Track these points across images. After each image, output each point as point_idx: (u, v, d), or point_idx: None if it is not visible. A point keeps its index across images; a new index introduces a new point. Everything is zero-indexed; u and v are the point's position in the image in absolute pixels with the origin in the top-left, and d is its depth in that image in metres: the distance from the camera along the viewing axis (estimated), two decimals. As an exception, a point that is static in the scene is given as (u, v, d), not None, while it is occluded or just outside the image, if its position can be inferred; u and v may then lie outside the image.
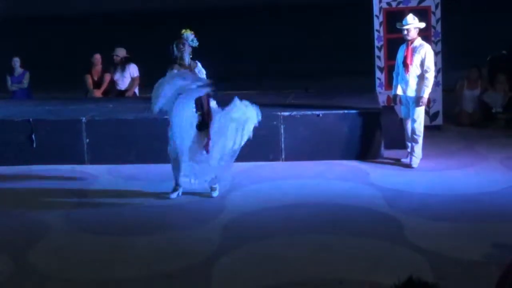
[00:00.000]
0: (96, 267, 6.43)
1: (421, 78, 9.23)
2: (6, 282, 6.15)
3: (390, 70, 10.98)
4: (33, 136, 10.13)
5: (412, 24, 9.28)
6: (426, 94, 9.23)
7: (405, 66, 9.27)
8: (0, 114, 10.79)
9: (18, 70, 13.74)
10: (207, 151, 8.02)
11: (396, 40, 10.67)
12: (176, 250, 6.77)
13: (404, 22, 9.30)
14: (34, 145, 10.12)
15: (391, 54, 11.00)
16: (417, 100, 9.27)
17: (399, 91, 9.43)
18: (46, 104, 11.98)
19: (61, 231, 7.47)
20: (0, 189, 8.96)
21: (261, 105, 8.28)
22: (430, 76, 9.23)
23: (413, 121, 9.36)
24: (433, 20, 11.33)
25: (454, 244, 6.61)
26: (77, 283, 6.09)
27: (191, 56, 8.27)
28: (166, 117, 8.41)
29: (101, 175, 9.60)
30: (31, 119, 10.29)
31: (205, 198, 8.36)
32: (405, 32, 9.27)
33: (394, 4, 11.39)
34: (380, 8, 11.45)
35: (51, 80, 18.01)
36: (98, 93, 13.03)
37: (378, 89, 11.74)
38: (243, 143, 8.15)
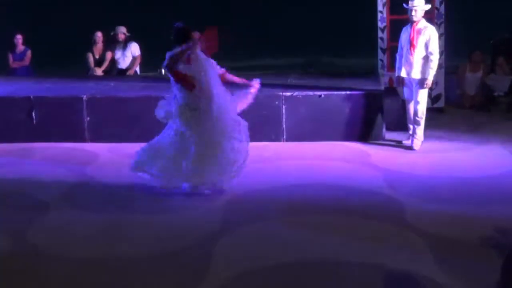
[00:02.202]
0: (96, 245, 6.42)
1: (426, 60, 9.19)
2: (5, 261, 6.14)
3: (392, 52, 10.94)
4: (33, 113, 10.10)
5: (420, 5, 9.23)
6: (430, 76, 9.19)
7: (411, 47, 9.22)
8: (1, 91, 10.76)
9: (20, 47, 13.70)
10: None
11: (399, 22, 10.63)
12: (177, 229, 6.76)
13: (412, 3, 9.23)
14: (34, 122, 10.10)
15: (394, 36, 10.96)
16: (421, 82, 9.23)
17: (403, 73, 9.38)
18: (47, 81, 11.95)
19: (61, 209, 7.46)
20: (0, 166, 8.94)
21: (262, 85, 8.23)
22: (435, 58, 9.19)
23: (416, 103, 9.33)
24: (436, 2, 11.28)
25: (455, 227, 6.59)
26: (76, 261, 6.07)
27: None
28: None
29: (102, 153, 9.59)
30: (31, 97, 10.27)
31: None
32: (413, 12, 9.21)
33: (397, -15, 11.32)
34: (384, -11, 11.39)
35: (52, 57, 17.93)
36: (99, 71, 12.99)
37: (380, 70, 11.70)
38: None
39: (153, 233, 6.68)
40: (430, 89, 10.32)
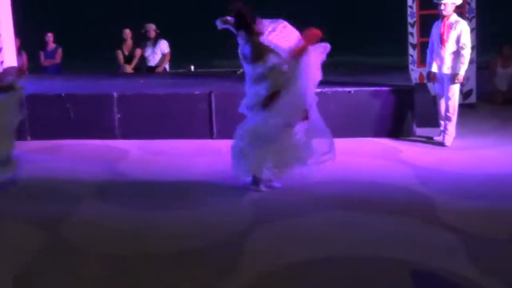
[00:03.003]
0: (126, 241, 6.45)
1: (457, 55, 9.11)
2: (38, 255, 6.19)
3: (422, 47, 10.86)
4: (70, 110, 10.18)
5: (450, 0, 9.14)
6: (462, 71, 9.11)
7: (441, 42, 9.15)
8: (33, 89, 10.85)
9: (51, 45, 13.82)
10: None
11: (429, 16, 10.55)
12: (206, 225, 6.76)
13: None
14: (72, 117, 10.18)
15: (424, 31, 10.88)
16: (452, 78, 9.15)
17: (434, 68, 9.31)
18: (77, 79, 12.05)
19: (92, 205, 7.51)
20: (32, 163, 9.01)
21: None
22: (466, 53, 9.10)
23: (448, 98, 9.26)
24: (468, -4, 11.17)
25: (486, 224, 6.53)
26: (108, 256, 6.11)
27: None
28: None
29: (132, 150, 9.64)
30: (63, 94, 10.35)
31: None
32: (442, 7, 9.13)
33: (428, -20, 11.24)
34: (414, -17, 11.32)
35: (82, 55, 18.06)
36: (129, 69, 13.07)
37: (410, 66, 11.63)
38: None
39: (182, 230, 6.68)
40: (462, 84, 10.23)
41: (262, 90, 7.44)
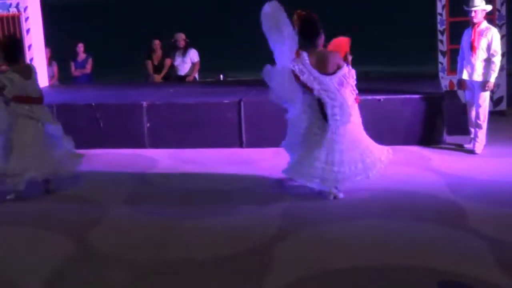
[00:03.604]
0: (154, 249, 6.48)
1: (488, 62, 9.04)
2: (67, 263, 6.24)
3: (452, 54, 10.80)
4: (99, 120, 10.26)
5: (480, 6, 9.08)
6: (492, 78, 9.04)
7: (472, 49, 9.09)
8: (63, 99, 10.97)
9: (82, 55, 13.95)
10: None
11: (459, 24, 10.48)
12: (235, 233, 6.77)
13: (472, 4, 9.10)
14: (101, 126, 10.26)
15: (453, 38, 10.81)
16: (483, 85, 9.08)
17: (465, 76, 9.25)
18: (107, 88, 12.15)
19: (121, 214, 7.55)
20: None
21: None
22: (497, 60, 9.03)
23: (478, 106, 9.18)
24: (498, 3, 11.10)
25: (519, 232, 6.47)
26: (135, 264, 6.13)
27: None
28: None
29: (161, 159, 9.68)
30: (93, 104, 10.43)
31: (265, 182, 8.36)
32: (473, 14, 9.07)
33: (457, -13, 11.18)
34: (443, -9, 11.27)
35: (113, 65, 18.21)
36: (158, 78, 13.15)
37: (440, 73, 11.56)
38: None
39: (210, 238, 6.69)
40: (492, 91, 10.14)
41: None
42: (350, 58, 7.81)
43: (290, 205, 7.54)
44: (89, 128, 10.36)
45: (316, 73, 7.44)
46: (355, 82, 7.64)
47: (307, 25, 7.56)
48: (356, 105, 7.79)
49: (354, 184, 7.85)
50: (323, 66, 7.50)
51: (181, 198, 7.98)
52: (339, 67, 7.53)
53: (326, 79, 7.45)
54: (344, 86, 7.51)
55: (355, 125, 7.67)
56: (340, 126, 7.45)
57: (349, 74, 7.56)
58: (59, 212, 7.70)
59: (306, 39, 7.57)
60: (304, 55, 7.47)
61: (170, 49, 13.17)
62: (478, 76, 9.11)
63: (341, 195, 7.68)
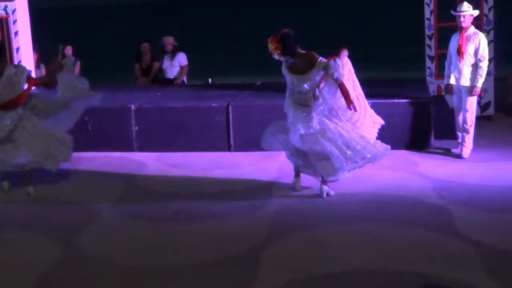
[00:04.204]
0: (144, 253, 6.47)
1: (475, 67, 9.09)
2: (56, 268, 6.22)
3: (440, 59, 10.83)
4: (88, 123, 10.23)
5: (468, 11, 9.13)
6: (479, 83, 9.08)
7: (459, 54, 9.13)
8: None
9: (70, 58, 13.91)
10: None
11: (446, 29, 10.52)
12: (224, 237, 6.77)
13: (460, 9, 9.15)
14: (90, 130, 10.23)
15: (441, 43, 10.85)
16: (470, 90, 9.12)
17: (452, 81, 9.29)
18: (95, 91, 12.08)
19: (110, 217, 7.54)
20: (50, 175, 9.06)
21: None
22: (484, 65, 9.08)
23: (465, 111, 9.22)
24: (485, 8, 11.14)
25: (505, 236, 6.49)
26: (125, 268, 6.13)
27: None
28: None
29: (150, 162, 9.67)
30: (81, 107, 10.38)
31: (253, 185, 8.37)
32: (461, 19, 9.12)
33: (445, -8, 11.25)
34: (431, -4, 11.32)
35: (100, 68, 18.17)
36: (146, 81, 13.12)
37: (428, 78, 11.60)
38: None
39: (200, 242, 6.69)
40: (479, 96, 10.18)
41: None
42: (343, 52, 7.98)
43: (278, 209, 7.55)
44: (77, 131, 10.31)
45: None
46: (341, 74, 7.77)
47: (287, 43, 7.77)
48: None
49: (342, 189, 7.88)
50: (296, 68, 7.78)
51: (169, 201, 7.97)
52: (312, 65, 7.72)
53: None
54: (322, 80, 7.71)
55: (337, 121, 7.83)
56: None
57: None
58: (46, 216, 7.68)
59: (288, 54, 7.82)
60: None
61: (159, 53, 13.15)
62: (465, 81, 9.15)
63: (332, 193, 7.87)
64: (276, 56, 7.84)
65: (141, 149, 10.23)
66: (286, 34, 7.79)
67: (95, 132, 10.30)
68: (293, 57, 7.81)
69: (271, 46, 7.81)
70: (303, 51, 7.83)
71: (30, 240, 6.95)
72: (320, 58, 7.68)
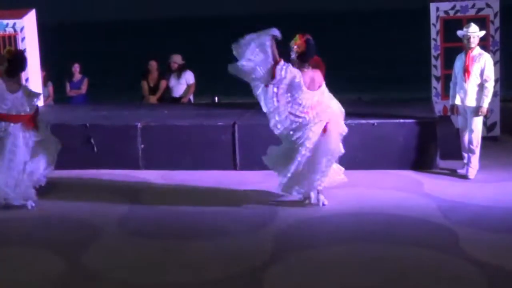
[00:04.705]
0: (147, 270, 6.47)
1: (481, 87, 9.11)
2: (59, 284, 6.22)
3: (446, 80, 10.85)
4: (92, 140, 10.26)
5: (476, 32, 9.17)
6: (485, 104, 9.09)
7: (465, 75, 9.15)
8: (58, 119, 10.96)
9: (77, 76, 13.98)
10: None
11: (453, 49, 10.54)
12: (227, 256, 6.77)
13: (468, 30, 9.18)
14: (95, 150, 10.26)
15: (448, 63, 10.87)
16: (476, 110, 9.13)
17: (457, 101, 9.30)
18: (102, 109, 12.15)
19: (114, 234, 7.55)
20: (56, 192, 9.08)
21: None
22: (490, 85, 9.10)
23: (471, 131, 9.22)
24: (491, 29, 11.17)
25: (510, 257, 6.47)
26: (129, 286, 6.12)
27: None
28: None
29: (155, 180, 9.68)
30: (87, 124, 10.44)
31: (258, 204, 8.37)
32: (471, 39, 9.15)
33: (451, 12, 11.30)
34: (437, 16, 11.36)
35: (108, 86, 18.24)
36: (153, 99, 13.17)
37: (434, 98, 11.61)
38: None
39: (202, 260, 6.69)
40: (485, 117, 10.19)
41: None
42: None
43: (281, 228, 7.54)
44: (83, 149, 10.35)
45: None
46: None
47: (309, 49, 7.94)
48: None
49: (347, 208, 7.88)
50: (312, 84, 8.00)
51: (174, 220, 7.98)
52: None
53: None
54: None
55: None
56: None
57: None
58: (51, 233, 7.69)
59: (305, 61, 7.98)
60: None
61: (166, 71, 13.20)
62: (471, 101, 9.16)
63: (326, 202, 8.16)
64: (292, 54, 7.96)
65: (147, 167, 10.24)
66: (311, 40, 7.96)
67: (101, 150, 10.32)
68: (304, 66, 7.93)
69: (296, 41, 7.88)
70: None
71: (34, 256, 6.95)
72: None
